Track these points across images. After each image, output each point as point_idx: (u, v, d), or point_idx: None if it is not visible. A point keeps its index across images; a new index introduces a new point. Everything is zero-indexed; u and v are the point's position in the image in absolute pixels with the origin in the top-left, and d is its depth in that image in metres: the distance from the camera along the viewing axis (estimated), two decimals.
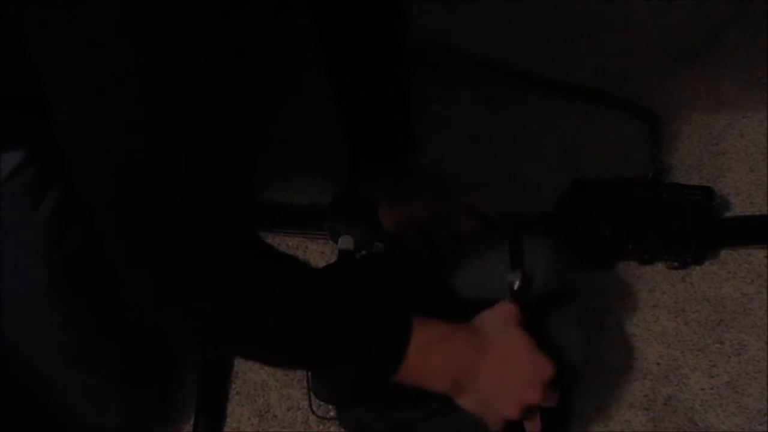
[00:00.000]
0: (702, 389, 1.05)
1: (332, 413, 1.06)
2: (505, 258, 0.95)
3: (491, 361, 0.82)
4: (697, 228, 1.12)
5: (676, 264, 1.12)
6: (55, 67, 0.64)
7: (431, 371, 0.80)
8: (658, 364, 1.07)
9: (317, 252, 1.19)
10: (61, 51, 0.63)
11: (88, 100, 0.64)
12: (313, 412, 1.06)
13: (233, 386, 1.11)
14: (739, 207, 1.17)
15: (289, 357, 0.82)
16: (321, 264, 1.16)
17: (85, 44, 0.61)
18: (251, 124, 0.69)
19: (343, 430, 1.05)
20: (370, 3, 0.96)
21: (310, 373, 1.06)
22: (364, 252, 1.14)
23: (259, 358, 0.89)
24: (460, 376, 0.81)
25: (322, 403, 1.06)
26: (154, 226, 0.68)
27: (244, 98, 0.67)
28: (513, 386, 0.83)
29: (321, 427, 1.06)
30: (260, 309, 0.74)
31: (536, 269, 0.95)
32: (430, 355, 0.79)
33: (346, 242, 1.14)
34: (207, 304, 0.72)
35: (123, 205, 0.68)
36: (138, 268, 0.71)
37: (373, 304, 0.80)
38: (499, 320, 0.85)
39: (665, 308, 1.11)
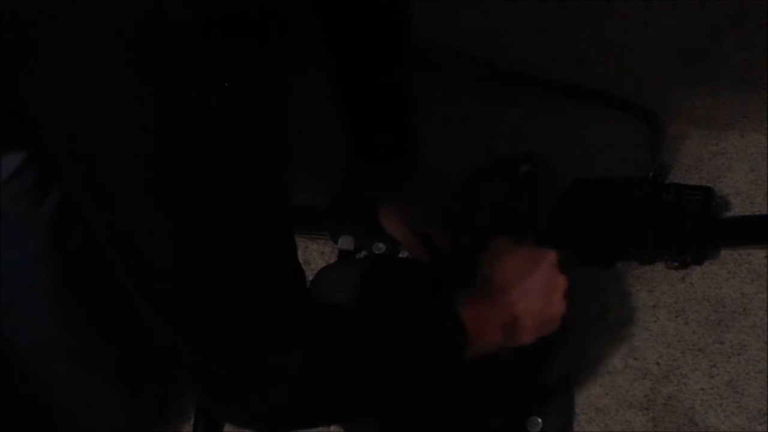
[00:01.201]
0: (702, 389, 1.05)
1: None
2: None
3: (511, 295, 0.89)
4: (697, 228, 1.12)
5: (676, 264, 1.12)
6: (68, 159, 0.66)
7: (485, 341, 0.86)
8: (658, 364, 1.07)
9: (317, 252, 1.19)
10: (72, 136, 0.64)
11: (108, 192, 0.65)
12: None
13: None
14: (739, 207, 1.17)
15: (366, 409, 0.84)
16: (321, 264, 1.16)
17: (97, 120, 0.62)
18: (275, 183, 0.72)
19: (342, 430, 1.05)
20: (374, 3, 0.96)
21: None
22: (364, 252, 1.14)
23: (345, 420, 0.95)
24: (505, 327, 0.88)
25: None
26: (221, 327, 0.69)
27: (262, 146, 0.69)
28: (538, 288, 0.90)
29: (321, 426, 1.06)
30: (343, 373, 0.75)
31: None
32: (482, 331, 0.85)
33: (346, 242, 1.14)
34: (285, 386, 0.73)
35: (182, 313, 0.69)
36: (219, 373, 0.72)
37: (425, 320, 0.84)
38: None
39: (665, 308, 1.11)
